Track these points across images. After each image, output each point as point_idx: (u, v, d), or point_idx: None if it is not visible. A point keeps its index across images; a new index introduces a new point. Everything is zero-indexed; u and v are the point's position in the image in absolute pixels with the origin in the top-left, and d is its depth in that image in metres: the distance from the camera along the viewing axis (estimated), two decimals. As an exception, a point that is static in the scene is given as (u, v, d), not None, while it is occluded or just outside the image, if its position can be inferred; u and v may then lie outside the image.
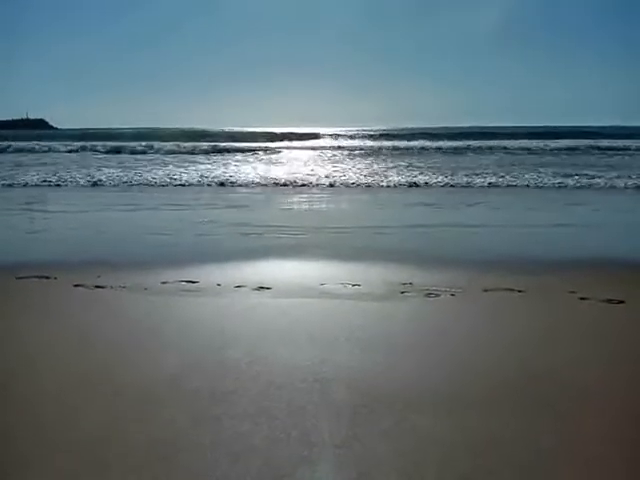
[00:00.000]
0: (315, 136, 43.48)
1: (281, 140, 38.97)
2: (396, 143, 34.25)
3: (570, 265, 6.48)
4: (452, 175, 17.15)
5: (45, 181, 16.56)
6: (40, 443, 2.77)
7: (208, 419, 2.97)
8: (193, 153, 28.15)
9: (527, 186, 15.30)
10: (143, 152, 28.01)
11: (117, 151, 28.39)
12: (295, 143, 35.77)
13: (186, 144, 30.69)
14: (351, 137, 43.58)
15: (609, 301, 4.92)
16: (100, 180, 16.61)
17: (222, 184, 16.35)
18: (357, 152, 29.90)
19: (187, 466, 2.57)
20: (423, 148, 31.19)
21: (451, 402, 3.16)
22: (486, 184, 15.65)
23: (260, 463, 2.58)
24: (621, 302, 4.90)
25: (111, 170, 19.00)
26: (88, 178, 16.95)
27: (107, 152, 28.29)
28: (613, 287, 5.31)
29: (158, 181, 16.73)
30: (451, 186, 15.57)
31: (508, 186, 15.43)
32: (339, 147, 32.54)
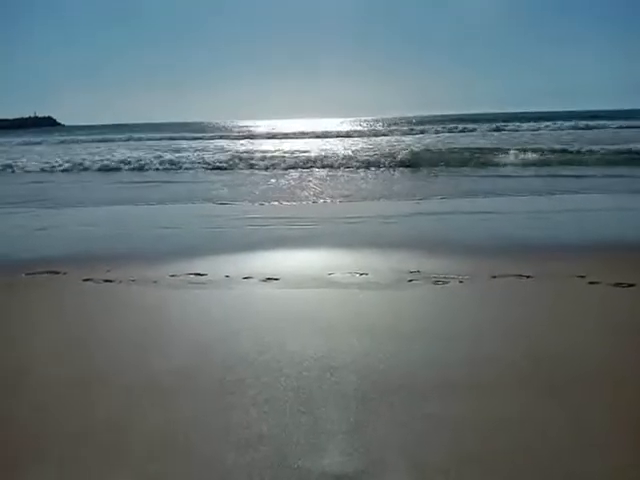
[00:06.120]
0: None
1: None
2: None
3: (578, 250, 6.44)
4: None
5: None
6: (53, 434, 2.81)
7: (218, 408, 3.00)
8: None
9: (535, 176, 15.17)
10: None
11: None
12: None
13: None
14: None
15: (619, 285, 4.88)
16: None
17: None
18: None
19: (198, 454, 2.60)
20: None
21: (459, 388, 3.16)
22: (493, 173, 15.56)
23: (270, 451, 2.59)
24: (631, 285, 4.86)
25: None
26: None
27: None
28: (623, 271, 5.28)
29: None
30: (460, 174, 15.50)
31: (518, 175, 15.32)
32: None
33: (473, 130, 34.80)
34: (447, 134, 32.92)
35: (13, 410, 3.07)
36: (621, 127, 33.66)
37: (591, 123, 36.30)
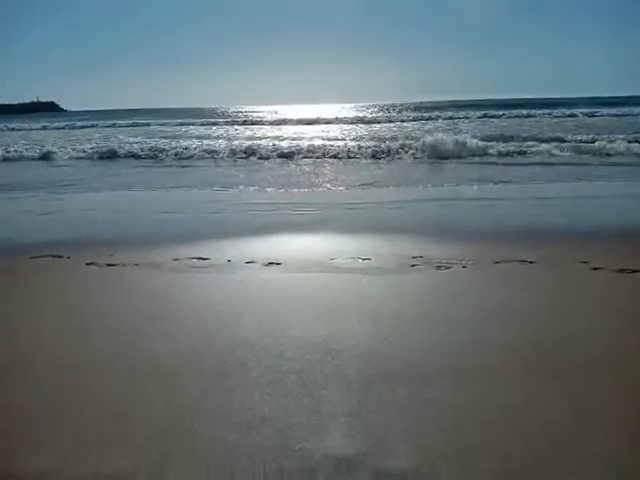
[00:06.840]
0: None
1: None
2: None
3: (582, 236, 6.42)
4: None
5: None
6: (59, 418, 2.82)
7: (220, 391, 3.00)
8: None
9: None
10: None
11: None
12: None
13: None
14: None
15: (622, 271, 4.87)
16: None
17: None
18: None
19: (201, 437, 2.61)
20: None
21: (461, 373, 3.16)
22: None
23: (271, 433, 2.60)
24: (635, 271, 4.85)
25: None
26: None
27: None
28: (626, 257, 5.25)
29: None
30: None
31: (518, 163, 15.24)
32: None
33: (475, 117, 34.66)
34: (449, 120, 32.83)
35: (15, 395, 3.08)
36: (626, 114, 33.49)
37: (594, 110, 36.05)
